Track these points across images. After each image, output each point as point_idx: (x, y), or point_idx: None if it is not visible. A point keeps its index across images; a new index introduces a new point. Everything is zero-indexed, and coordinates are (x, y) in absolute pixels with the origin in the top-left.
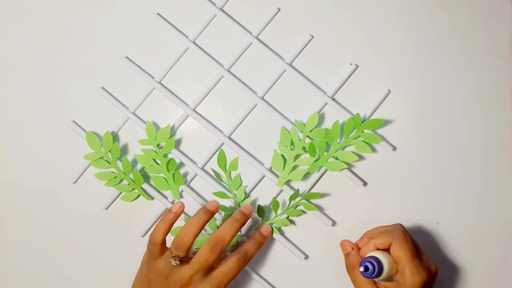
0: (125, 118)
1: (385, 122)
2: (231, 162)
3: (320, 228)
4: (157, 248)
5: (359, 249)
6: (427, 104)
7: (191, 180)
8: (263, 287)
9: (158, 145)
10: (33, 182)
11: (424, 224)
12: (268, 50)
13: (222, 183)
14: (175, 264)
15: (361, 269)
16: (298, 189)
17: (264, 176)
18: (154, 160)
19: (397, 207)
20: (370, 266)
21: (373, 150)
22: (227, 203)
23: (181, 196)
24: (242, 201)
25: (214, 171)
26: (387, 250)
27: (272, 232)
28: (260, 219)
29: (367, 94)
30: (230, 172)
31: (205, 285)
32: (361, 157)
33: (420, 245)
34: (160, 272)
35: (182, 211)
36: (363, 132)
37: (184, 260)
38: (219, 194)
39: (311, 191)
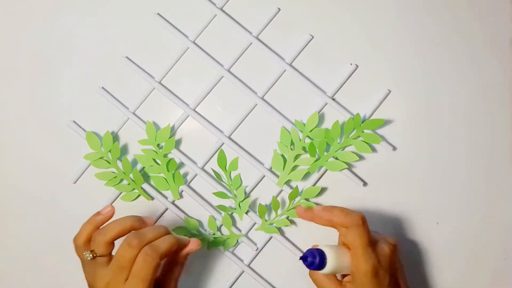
0: (125, 118)
1: (385, 122)
2: (231, 162)
3: (320, 228)
4: (80, 251)
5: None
6: (427, 104)
7: (191, 180)
8: (263, 287)
9: (158, 145)
10: (33, 182)
11: (424, 224)
12: (268, 50)
13: (222, 183)
14: (88, 258)
15: (301, 259)
16: (296, 186)
17: (264, 176)
18: (154, 160)
19: (397, 207)
20: (309, 258)
21: (373, 150)
22: (227, 203)
23: (181, 196)
24: (242, 201)
25: (214, 171)
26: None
27: (199, 244)
28: (260, 219)
29: (367, 94)
30: (230, 172)
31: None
32: (361, 157)
33: (420, 245)
34: (87, 282)
35: (112, 215)
36: (363, 132)
37: (103, 260)
38: (219, 194)
39: None
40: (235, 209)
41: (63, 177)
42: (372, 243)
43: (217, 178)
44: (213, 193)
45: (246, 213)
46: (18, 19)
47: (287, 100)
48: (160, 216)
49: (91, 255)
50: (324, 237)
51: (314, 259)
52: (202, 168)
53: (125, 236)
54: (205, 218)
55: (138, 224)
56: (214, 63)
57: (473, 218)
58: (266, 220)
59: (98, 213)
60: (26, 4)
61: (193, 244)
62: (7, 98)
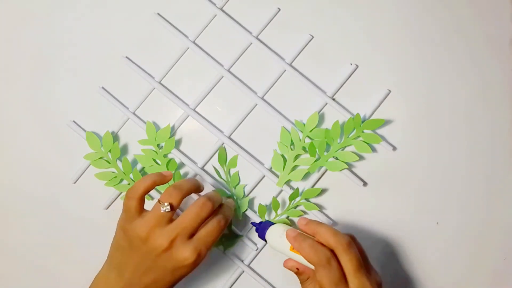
0: (125, 118)
1: (385, 122)
2: (231, 159)
3: None
4: (134, 204)
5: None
6: (427, 104)
7: None
8: (263, 287)
9: (158, 145)
10: (33, 182)
11: (424, 224)
12: (268, 50)
13: (222, 180)
14: (165, 211)
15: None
16: (297, 187)
17: (264, 176)
18: (154, 160)
19: (397, 207)
20: (257, 225)
21: (373, 150)
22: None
23: None
24: (241, 199)
25: (214, 168)
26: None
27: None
28: (260, 219)
29: (367, 94)
30: (230, 169)
31: (188, 248)
32: (361, 157)
33: (420, 245)
34: (138, 235)
35: (170, 179)
36: (363, 132)
37: (166, 217)
38: (218, 191)
39: None
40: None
41: (63, 177)
42: (366, 266)
43: (217, 175)
44: (213, 191)
45: (245, 211)
46: (18, 19)
47: (287, 100)
48: None
49: (169, 207)
50: None
51: (257, 226)
52: (202, 168)
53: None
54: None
55: (201, 188)
56: (214, 63)
57: (473, 218)
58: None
59: (160, 173)
60: (26, 4)
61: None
62: (7, 98)
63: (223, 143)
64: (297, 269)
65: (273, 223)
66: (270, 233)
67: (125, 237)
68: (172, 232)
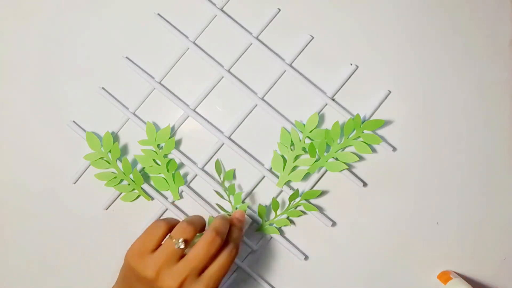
0: (125, 118)
1: (385, 123)
2: (227, 172)
3: (320, 229)
4: (155, 241)
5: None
6: (427, 105)
7: (191, 181)
8: (262, 287)
9: (158, 145)
10: (33, 182)
11: (424, 224)
12: (268, 51)
13: (221, 186)
14: (180, 246)
15: None
16: (297, 189)
17: (264, 176)
18: (154, 160)
19: (397, 207)
20: None
21: (373, 150)
22: (227, 205)
23: (181, 197)
24: (238, 206)
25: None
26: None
27: (244, 212)
28: (260, 219)
29: (367, 95)
30: (224, 181)
31: (198, 286)
32: (361, 158)
33: (420, 245)
34: (147, 276)
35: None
36: (363, 132)
37: (176, 255)
38: (218, 194)
39: None
40: (231, 213)
41: (63, 178)
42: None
43: (217, 178)
44: (214, 190)
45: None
46: (19, 20)
47: (287, 101)
48: (160, 217)
49: (183, 244)
50: (324, 238)
51: None
52: (202, 169)
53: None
54: (205, 219)
55: (204, 223)
56: (214, 63)
57: (473, 217)
58: (266, 221)
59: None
60: (26, 5)
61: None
62: (7, 98)
63: (222, 144)
64: None
65: None
66: None
67: (132, 274)
68: (181, 273)
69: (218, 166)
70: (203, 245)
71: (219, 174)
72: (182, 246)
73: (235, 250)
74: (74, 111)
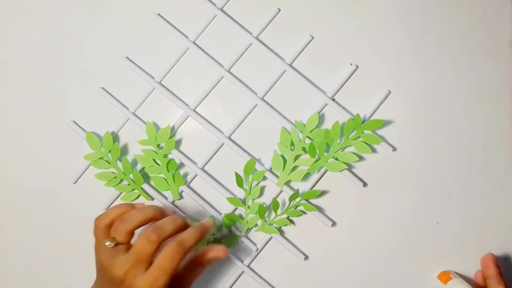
0: (125, 118)
1: (385, 123)
2: (257, 173)
3: (320, 229)
4: (99, 232)
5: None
6: (427, 105)
7: (191, 181)
8: (263, 287)
9: (158, 145)
10: (33, 182)
11: (424, 224)
12: (268, 51)
13: (242, 189)
14: (109, 246)
15: None
16: (297, 189)
17: (264, 176)
18: (154, 160)
19: (397, 207)
20: None
21: (373, 150)
22: (236, 211)
23: (181, 197)
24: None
25: (237, 175)
26: None
27: (213, 225)
28: (260, 220)
29: (367, 95)
30: (252, 182)
31: (141, 282)
32: (361, 158)
33: (420, 245)
34: (101, 264)
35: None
36: (363, 132)
37: (122, 247)
38: (232, 201)
39: None
40: (243, 219)
41: (63, 177)
42: None
43: (238, 183)
44: (227, 198)
45: (249, 229)
46: (19, 20)
47: (287, 101)
48: None
49: (113, 243)
50: (324, 238)
51: None
52: (202, 169)
53: (143, 227)
54: (205, 219)
55: (159, 215)
56: (214, 63)
57: (473, 217)
58: (266, 221)
59: (132, 205)
60: (26, 5)
61: (220, 252)
62: (8, 98)
63: (223, 144)
64: None
65: None
66: None
67: (96, 262)
68: (126, 263)
69: (251, 166)
70: (142, 239)
71: (248, 174)
72: (111, 246)
73: (175, 244)
74: (74, 111)
